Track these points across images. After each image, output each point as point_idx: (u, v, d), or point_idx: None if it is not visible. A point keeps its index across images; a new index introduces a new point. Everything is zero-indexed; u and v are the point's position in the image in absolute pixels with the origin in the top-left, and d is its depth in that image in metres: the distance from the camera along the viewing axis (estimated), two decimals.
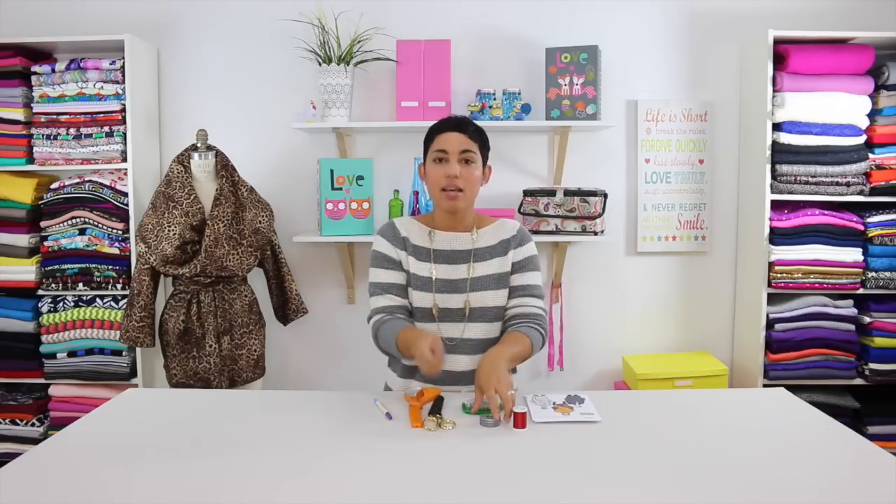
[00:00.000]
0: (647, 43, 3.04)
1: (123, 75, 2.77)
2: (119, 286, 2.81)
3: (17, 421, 2.87)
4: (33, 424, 2.87)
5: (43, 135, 2.81)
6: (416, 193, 2.84)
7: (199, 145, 2.58)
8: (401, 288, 1.82)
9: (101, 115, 2.79)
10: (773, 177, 2.81)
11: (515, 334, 1.74)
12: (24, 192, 2.81)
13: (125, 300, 2.71)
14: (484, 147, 1.83)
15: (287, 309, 2.82)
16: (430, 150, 1.81)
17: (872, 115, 2.77)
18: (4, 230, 2.82)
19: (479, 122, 2.77)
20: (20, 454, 1.41)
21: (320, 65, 2.79)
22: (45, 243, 2.81)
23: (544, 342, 1.80)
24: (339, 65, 2.77)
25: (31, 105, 2.82)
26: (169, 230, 2.47)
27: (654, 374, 2.83)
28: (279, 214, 2.89)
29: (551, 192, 2.83)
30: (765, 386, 2.84)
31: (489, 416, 1.54)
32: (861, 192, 2.79)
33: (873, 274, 2.79)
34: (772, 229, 2.81)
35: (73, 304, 2.81)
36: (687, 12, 3.03)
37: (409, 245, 1.84)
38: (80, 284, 2.81)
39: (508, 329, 1.79)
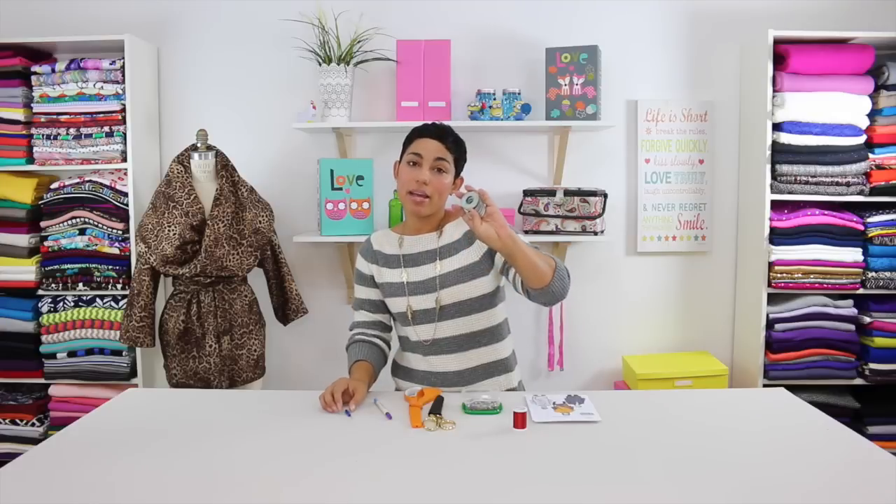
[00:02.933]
0: (647, 43, 3.04)
1: (123, 75, 2.77)
2: (119, 286, 2.81)
3: (17, 421, 2.88)
4: (33, 424, 2.87)
5: (43, 135, 2.81)
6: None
7: (199, 145, 2.58)
8: (373, 303, 1.90)
9: (101, 115, 2.79)
10: (773, 177, 2.81)
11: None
12: (24, 192, 2.81)
13: (125, 300, 2.71)
14: (460, 159, 1.86)
15: (287, 309, 2.82)
16: (406, 151, 1.83)
17: (872, 115, 2.77)
18: (4, 230, 2.82)
19: (479, 122, 2.82)
20: (20, 454, 1.41)
21: (320, 65, 2.79)
22: (45, 243, 2.81)
23: (565, 273, 1.62)
24: (339, 65, 2.77)
25: (31, 105, 2.82)
26: (169, 230, 2.47)
27: (654, 374, 2.83)
28: (279, 214, 2.89)
29: (551, 192, 2.83)
30: (765, 386, 2.84)
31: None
32: (861, 192, 2.79)
33: (873, 274, 2.79)
34: (772, 229, 2.81)
35: (73, 304, 2.81)
36: (687, 12, 3.03)
37: (380, 257, 1.89)
38: (80, 284, 2.81)
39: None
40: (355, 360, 1.81)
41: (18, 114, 2.82)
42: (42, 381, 2.86)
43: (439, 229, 1.86)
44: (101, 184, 2.78)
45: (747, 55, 2.97)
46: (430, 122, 1.87)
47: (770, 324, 2.83)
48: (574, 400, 1.67)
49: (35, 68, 2.79)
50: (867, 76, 2.75)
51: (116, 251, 2.80)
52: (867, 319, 2.81)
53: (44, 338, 2.82)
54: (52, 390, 2.85)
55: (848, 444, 1.44)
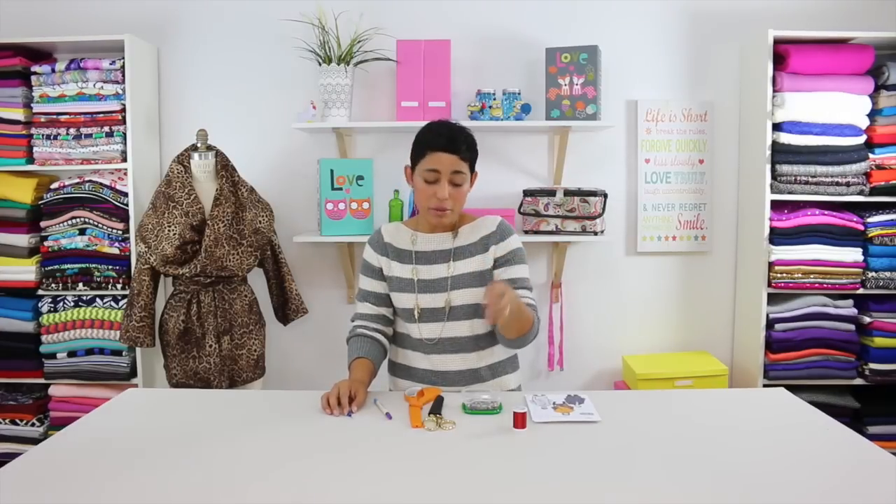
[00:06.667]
0: (647, 43, 3.04)
1: (123, 75, 2.77)
2: (119, 286, 2.81)
3: (17, 421, 2.88)
4: (33, 424, 2.87)
5: (43, 135, 2.81)
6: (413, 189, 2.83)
7: (199, 145, 2.58)
8: (378, 296, 1.88)
9: (101, 115, 2.79)
10: (773, 177, 2.81)
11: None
12: (24, 192, 2.81)
13: (125, 300, 2.71)
14: (474, 160, 1.81)
15: (287, 309, 2.82)
16: (420, 164, 1.76)
17: (872, 115, 2.77)
18: (4, 230, 2.82)
19: (478, 122, 2.81)
20: (20, 454, 1.41)
21: (320, 65, 2.79)
22: (45, 243, 2.81)
23: (537, 332, 1.76)
24: (339, 65, 2.77)
25: (31, 105, 2.82)
26: (169, 230, 2.47)
27: (654, 374, 2.83)
28: (279, 214, 2.89)
29: (551, 192, 2.83)
30: (765, 386, 2.84)
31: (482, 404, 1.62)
32: (861, 192, 2.79)
33: (873, 274, 2.79)
34: (772, 229, 2.81)
35: (73, 304, 2.81)
36: (687, 12, 3.03)
37: (391, 250, 1.87)
38: (80, 284, 2.81)
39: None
40: (356, 357, 1.80)
41: (18, 114, 2.82)
42: (42, 381, 2.86)
43: (455, 230, 1.85)
44: (101, 184, 2.78)
45: (747, 55, 2.97)
46: (441, 131, 1.76)
47: (770, 324, 2.83)
48: (574, 400, 1.67)
49: (35, 68, 2.79)
50: (867, 76, 2.75)
51: (116, 251, 2.80)
52: (867, 319, 2.81)
53: (44, 338, 2.82)
54: (52, 390, 2.85)
55: (848, 444, 1.44)
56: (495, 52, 3.01)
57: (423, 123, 1.86)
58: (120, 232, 2.80)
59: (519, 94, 2.86)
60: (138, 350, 2.80)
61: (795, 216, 2.79)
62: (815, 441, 1.46)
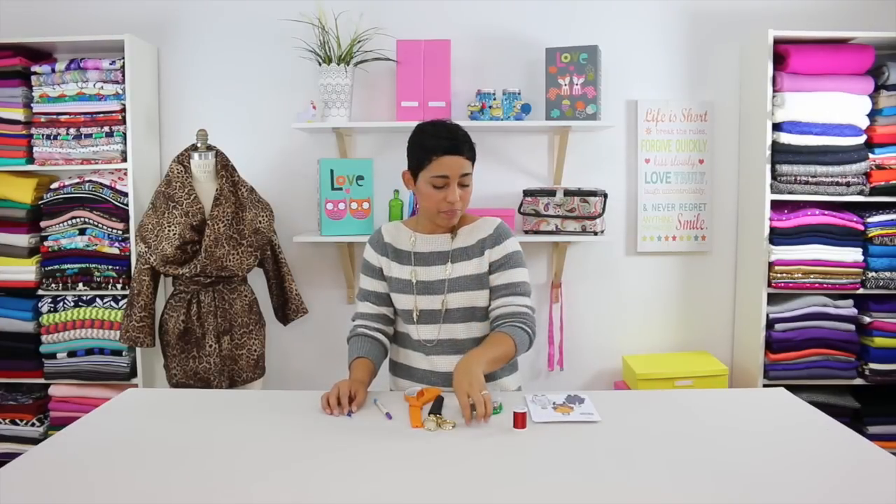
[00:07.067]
0: (647, 43, 3.04)
1: (123, 75, 2.77)
2: (119, 286, 2.81)
3: (17, 421, 2.88)
4: (33, 424, 2.87)
5: (43, 135, 2.81)
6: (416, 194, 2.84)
7: (199, 145, 2.58)
8: (379, 296, 1.88)
9: (101, 115, 2.79)
10: (773, 177, 2.81)
11: (497, 335, 1.71)
12: (24, 192, 2.81)
13: (125, 300, 2.72)
14: (475, 157, 1.79)
15: (287, 309, 2.82)
16: (426, 171, 1.73)
17: (872, 115, 2.77)
18: (4, 230, 2.82)
19: (479, 122, 2.82)
20: (20, 454, 1.41)
21: (320, 65, 2.80)
22: (45, 243, 2.82)
23: (532, 341, 1.75)
24: (339, 65, 2.77)
25: (31, 105, 2.82)
26: (169, 230, 2.47)
27: (654, 374, 2.83)
28: (279, 214, 2.89)
29: (551, 192, 2.84)
30: (765, 386, 2.84)
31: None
32: (861, 192, 2.79)
33: (873, 274, 2.79)
34: (772, 229, 2.81)
35: (73, 304, 2.81)
36: (687, 12, 3.03)
37: (390, 250, 1.87)
38: (80, 284, 2.81)
39: (492, 330, 1.77)
40: (356, 356, 1.80)
41: (18, 114, 2.82)
42: (42, 381, 2.86)
43: (454, 232, 1.84)
44: (101, 184, 2.78)
45: (747, 55, 2.97)
46: (441, 134, 1.73)
47: (770, 324, 2.83)
48: (574, 400, 1.67)
49: (35, 68, 2.79)
50: (867, 76, 2.75)
51: (116, 251, 2.80)
52: (867, 319, 2.81)
53: (44, 338, 2.82)
54: (52, 390, 2.85)
55: (848, 444, 1.44)
56: (495, 52, 3.01)
57: None
58: (120, 232, 2.80)
59: (519, 94, 2.86)
60: (138, 350, 2.80)
61: (795, 216, 2.79)
62: (815, 441, 1.46)
